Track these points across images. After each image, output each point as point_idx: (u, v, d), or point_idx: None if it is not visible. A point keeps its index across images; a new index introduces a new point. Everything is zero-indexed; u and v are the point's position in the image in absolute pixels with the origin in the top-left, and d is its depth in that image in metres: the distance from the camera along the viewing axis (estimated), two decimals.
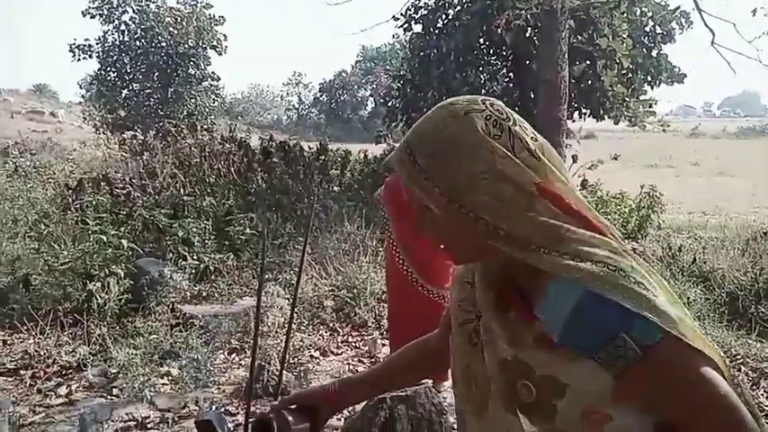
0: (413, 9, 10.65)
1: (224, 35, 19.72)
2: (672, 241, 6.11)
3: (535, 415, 0.81)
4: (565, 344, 0.77)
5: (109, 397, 3.33)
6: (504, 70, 10.95)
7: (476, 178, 0.79)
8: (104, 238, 4.70)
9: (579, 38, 9.51)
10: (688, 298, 4.40)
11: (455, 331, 0.95)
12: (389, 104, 11.57)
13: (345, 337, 4.41)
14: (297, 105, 39.67)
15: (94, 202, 5.62)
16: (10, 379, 3.56)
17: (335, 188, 7.79)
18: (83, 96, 22.26)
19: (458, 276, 0.98)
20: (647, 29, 10.61)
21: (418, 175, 0.81)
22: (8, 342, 4.01)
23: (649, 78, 10.67)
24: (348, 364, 3.96)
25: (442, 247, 0.89)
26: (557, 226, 0.79)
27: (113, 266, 4.49)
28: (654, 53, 10.66)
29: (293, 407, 1.07)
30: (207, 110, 19.23)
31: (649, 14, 10.44)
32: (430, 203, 0.82)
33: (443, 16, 10.70)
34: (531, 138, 0.83)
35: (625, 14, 9.49)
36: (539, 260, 0.78)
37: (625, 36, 9.53)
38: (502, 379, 0.84)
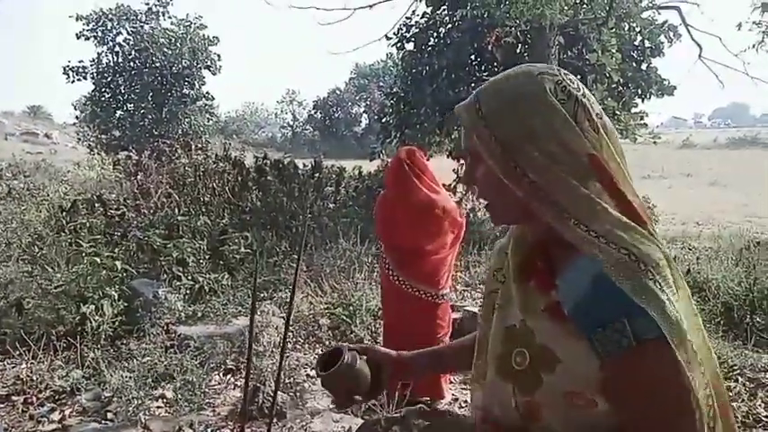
0: (405, 28, 10.77)
1: (218, 55, 19.89)
2: (666, 252, 6.12)
3: (520, 384, 0.83)
4: (573, 318, 0.78)
5: (103, 421, 3.28)
6: None
7: (532, 133, 0.81)
8: (98, 260, 4.68)
9: (569, 53, 9.63)
10: None
11: (484, 295, 0.99)
12: (383, 121, 11.64)
13: None
14: (291, 123, 39.83)
15: (88, 224, 5.61)
16: (1, 405, 3.51)
17: (330, 205, 7.81)
18: (77, 117, 22.31)
19: (500, 247, 1.01)
20: (636, 43, 10.76)
21: (479, 121, 0.84)
22: (0, 368, 3.97)
23: (639, 92, 10.78)
24: None
25: (485, 203, 0.93)
26: (595, 202, 0.80)
27: (107, 288, 4.46)
28: (643, 66, 10.79)
29: (363, 356, 1.11)
30: (201, 129, 19.31)
31: (638, 29, 10.58)
32: (484, 151, 0.84)
33: (434, 34, 10.82)
34: (597, 114, 0.85)
35: (614, 30, 9.63)
36: (567, 230, 0.79)
37: (614, 51, 9.65)
38: (502, 345, 0.86)
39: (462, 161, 10.42)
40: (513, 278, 0.88)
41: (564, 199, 0.79)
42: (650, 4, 9.52)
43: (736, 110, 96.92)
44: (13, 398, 3.55)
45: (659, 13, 10.03)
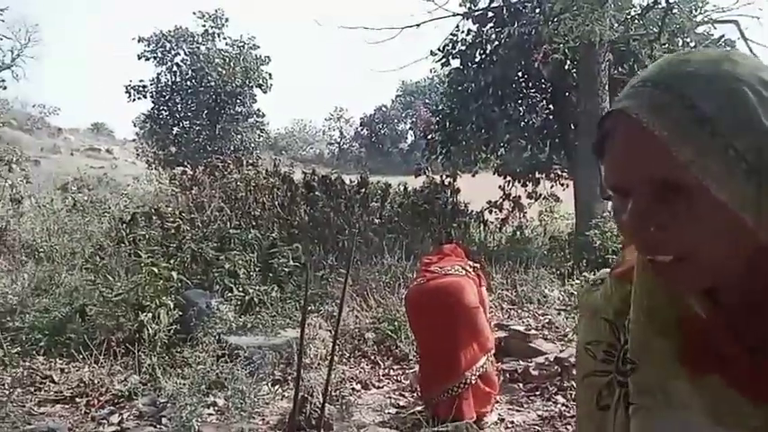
0: (450, 44, 10.84)
1: (269, 74, 20.52)
2: None
3: None
4: None
5: (158, 426, 3.43)
6: (544, 102, 10.95)
7: None
8: (155, 271, 4.89)
9: (619, 69, 9.45)
10: None
11: (578, 381, 0.71)
12: (429, 138, 11.70)
13: (387, 371, 4.41)
14: (338, 139, 40.48)
15: (147, 236, 5.89)
16: (67, 406, 3.72)
17: (376, 220, 7.89)
18: (137, 134, 23.47)
19: (591, 310, 0.71)
20: None
21: (701, 128, 0.52)
22: (65, 370, 4.20)
23: None
24: (390, 397, 3.96)
25: (683, 256, 0.55)
26: None
27: (164, 298, 4.66)
28: None
29: None
30: (252, 145, 19.93)
31: (692, 45, 10.29)
32: (714, 174, 0.52)
33: (481, 51, 10.84)
34: None
35: (666, 45, 9.39)
36: None
37: None
38: None
39: (512, 178, 10.35)
40: (665, 369, 0.59)
41: None
42: (706, 19, 9.25)
43: None
44: (77, 400, 3.75)
45: (715, 28, 9.72)
